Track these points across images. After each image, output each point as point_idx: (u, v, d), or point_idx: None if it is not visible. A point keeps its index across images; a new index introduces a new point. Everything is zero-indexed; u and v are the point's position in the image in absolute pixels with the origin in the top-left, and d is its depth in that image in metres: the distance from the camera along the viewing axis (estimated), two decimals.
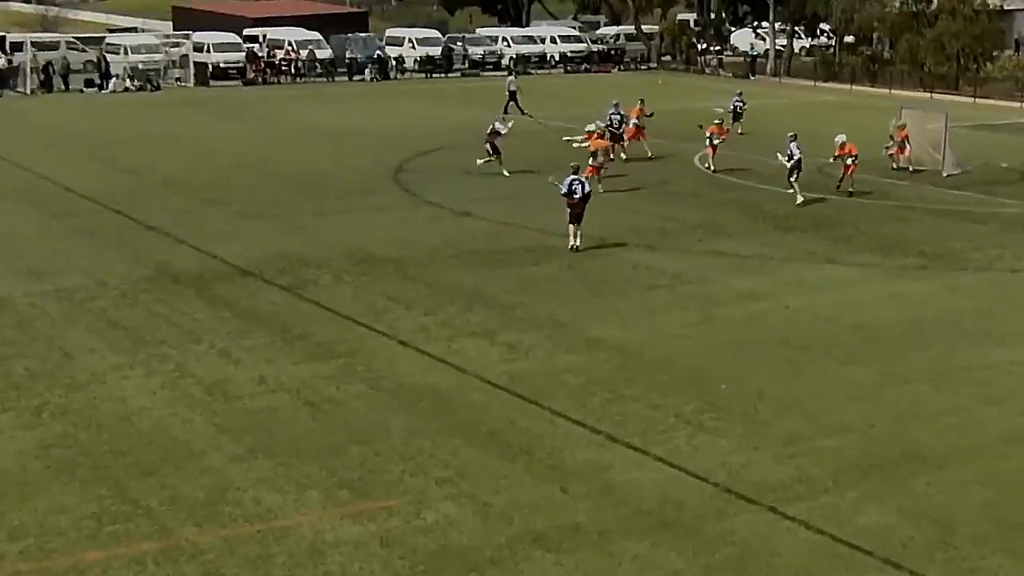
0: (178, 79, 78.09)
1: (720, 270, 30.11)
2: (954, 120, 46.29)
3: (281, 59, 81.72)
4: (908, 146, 44.21)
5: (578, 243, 31.50)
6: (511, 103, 61.79)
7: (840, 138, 39.33)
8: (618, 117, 45.73)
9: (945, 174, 43.13)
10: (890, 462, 18.48)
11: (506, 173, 41.64)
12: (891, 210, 37.74)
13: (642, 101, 47.82)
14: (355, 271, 29.67)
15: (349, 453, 18.59)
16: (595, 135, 39.70)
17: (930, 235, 34.17)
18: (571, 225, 31.55)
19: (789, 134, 38.50)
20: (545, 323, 25.38)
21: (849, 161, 38.95)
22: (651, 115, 47.69)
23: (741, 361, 23.06)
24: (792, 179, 37.88)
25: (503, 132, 42.53)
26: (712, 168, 43.68)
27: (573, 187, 31.38)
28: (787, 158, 37.93)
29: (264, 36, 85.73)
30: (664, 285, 28.60)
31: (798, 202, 37.44)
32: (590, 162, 37.50)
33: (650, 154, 46.27)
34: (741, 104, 53.54)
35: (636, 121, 46.92)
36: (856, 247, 32.71)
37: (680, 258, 31.36)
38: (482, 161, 42.15)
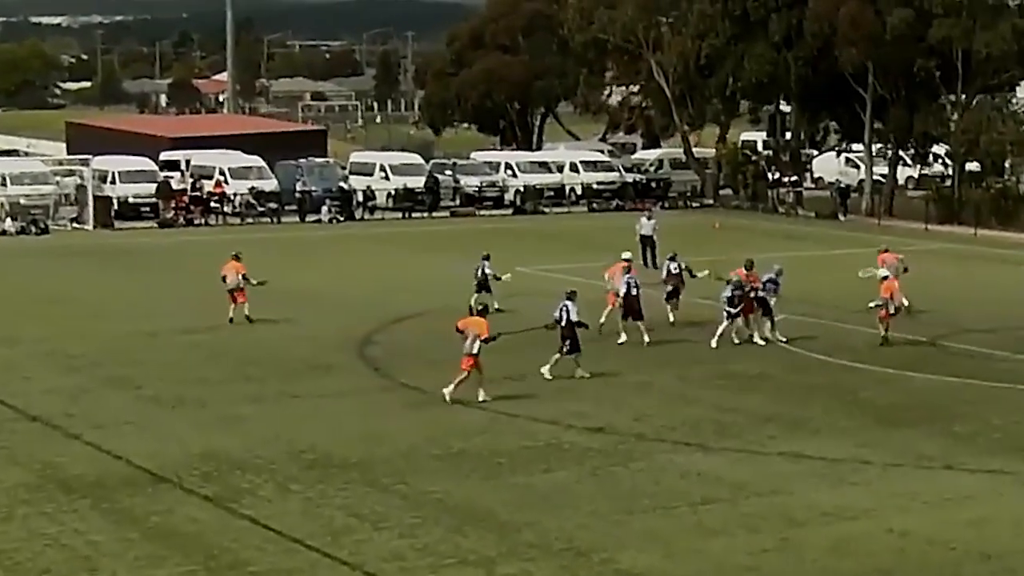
0: (73, 219, 78.60)
1: (800, 479, 30.16)
2: None
3: (209, 193, 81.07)
4: (895, 305, 43.24)
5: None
6: (648, 253, 59.40)
7: (882, 272, 40.63)
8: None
9: None
10: None
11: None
12: None
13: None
14: (306, 477, 29.69)
15: None
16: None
17: None
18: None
19: (668, 255, 47.25)
20: (560, 550, 25.33)
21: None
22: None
23: None
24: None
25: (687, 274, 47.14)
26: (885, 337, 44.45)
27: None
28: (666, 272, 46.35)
29: (187, 162, 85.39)
30: (723, 499, 28.61)
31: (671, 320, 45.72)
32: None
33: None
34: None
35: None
36: (984, 448, 32.75)
37: (745, 462, 31.43)
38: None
